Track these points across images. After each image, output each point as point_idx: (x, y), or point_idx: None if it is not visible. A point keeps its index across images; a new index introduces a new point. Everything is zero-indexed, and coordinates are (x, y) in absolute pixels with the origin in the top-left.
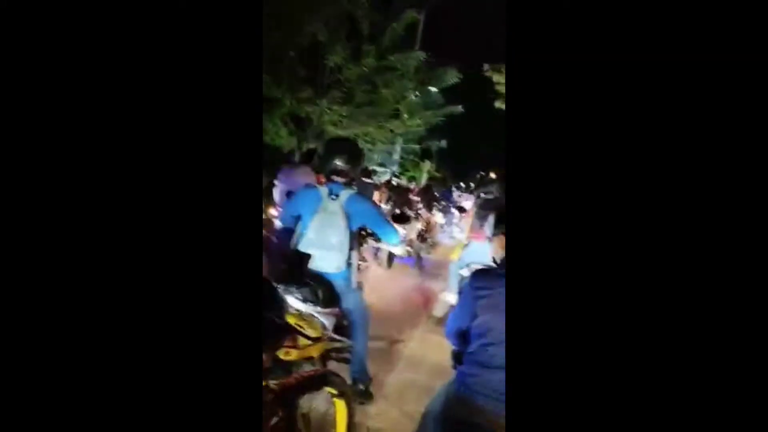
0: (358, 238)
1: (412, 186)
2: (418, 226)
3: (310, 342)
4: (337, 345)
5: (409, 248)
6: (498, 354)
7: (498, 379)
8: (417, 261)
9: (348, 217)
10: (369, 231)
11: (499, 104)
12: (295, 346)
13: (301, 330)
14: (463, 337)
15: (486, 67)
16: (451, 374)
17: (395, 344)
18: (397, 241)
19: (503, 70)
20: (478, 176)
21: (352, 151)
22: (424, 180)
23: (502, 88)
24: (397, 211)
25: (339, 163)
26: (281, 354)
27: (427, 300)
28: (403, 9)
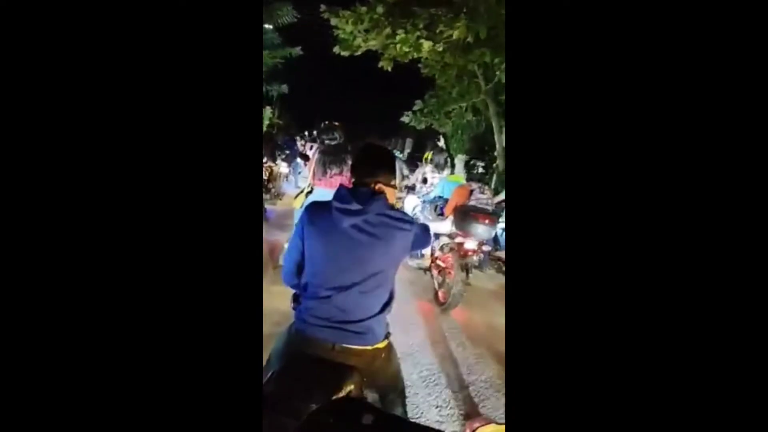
0: None
1: None
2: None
3: None
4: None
5: None
6: (323, 282)
7: (324, 307)
8: (262, 213)
9: None
10: None
11: (338, 49)
12: None
13: None
14: (298, 273)
15: (323, 8)
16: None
17: None
18: None
19: (341, 14)
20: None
21: None
22: (264, 126)
23: (341, 33)
24: None
25: None
26: None
27: (273, 250)
28: None
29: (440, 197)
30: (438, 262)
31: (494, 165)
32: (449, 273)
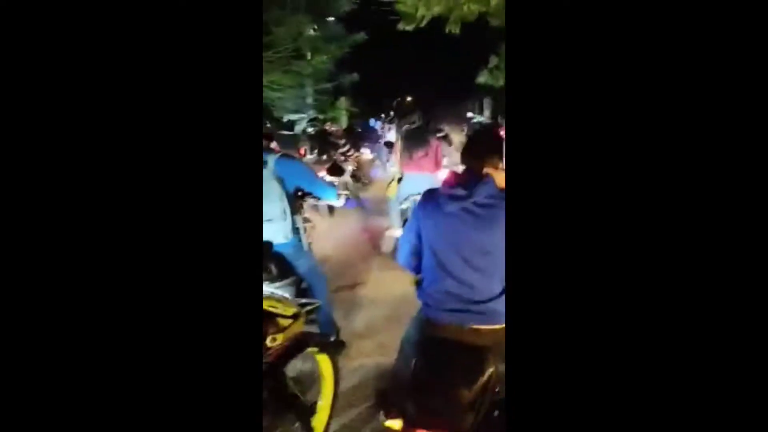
0: (296, 200)
1: (333, 129)
2: (350, 167)
3: (290, 321)
4: (310, 308)
5: (346, 192)
6: (438, 266)
7: (445, 291)
8: (357, 202)
9: (281, 183)
10: (305, 191)
11: (402, 25)
12: (278, 330)
13: (278, 312)
14: (417, 261)
15: None
16: (415, 302)
17: (356, 288)
18: (334, 196)
19: None
20: (395, 103)
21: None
22: (344, 118)
23: (401, 6)
24: (327, 167)
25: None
26: (268, 342)
27: (375, 237)
28: None
29: None
30: None
31: None
32: None
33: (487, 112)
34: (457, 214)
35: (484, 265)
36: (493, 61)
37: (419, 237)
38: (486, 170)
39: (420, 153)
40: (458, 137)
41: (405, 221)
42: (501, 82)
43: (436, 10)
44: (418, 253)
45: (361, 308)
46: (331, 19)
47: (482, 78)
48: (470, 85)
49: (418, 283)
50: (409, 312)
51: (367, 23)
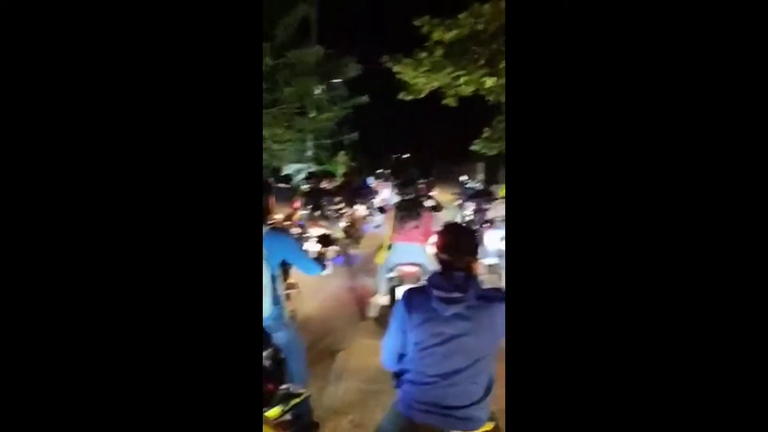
0: (281, 272)
1: (328, 186)
2: (342, 224)
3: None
4: (296, 401)
5: (337, 248)
6: (427, 369)
7: (429, 393)
8: (346, 259)
9: (266, 258)
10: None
11: (402, 95)
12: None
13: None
14: (400, 359)
15: (385, 58)
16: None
17: (336, 354)
18: (319, 271)
19: (402, 61)
20: (393, 158)
21: None
22: (341, 172)
23: (403, 77)
24: (316, 235)
25: None
26: None
27: (362, 300)
28: (293, 3)
29: None
30: None
31: None
32: None
33: (480, 176)
34: (450, 319)
35: (472, 371)
36: (487, 132)
37: (405, 333)
38: (461, 265)
39: (411, 224)
40: (448, 202)
41: (392, 290)
42: (494, 151)
43: (435, 84)
44: (403, 352)
45: (339, 379)
46: (338, 80)
47: (476, 146)
48: (465, 151)
49: (398, 375)
50: (387, 388)
51: (371, 88)
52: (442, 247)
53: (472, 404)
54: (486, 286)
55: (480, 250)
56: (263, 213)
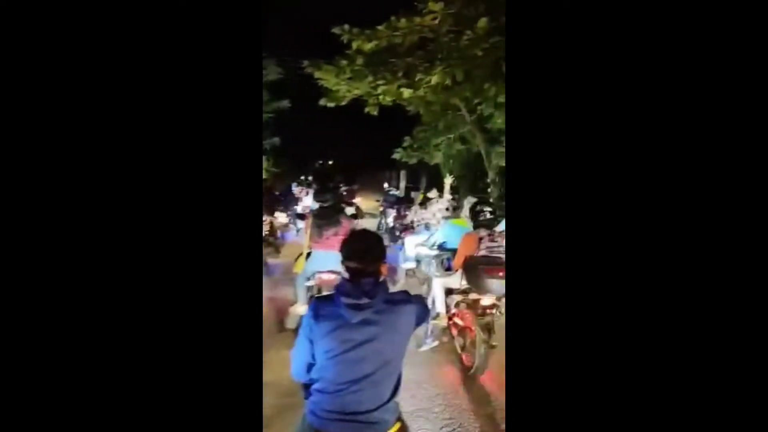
0: None
1: None
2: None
3: None
4: None
5: None
6: (337, 377)
7: (336, 401)
8: (264, 268)
9: None
10: None
11: (324, 101)
12: None
13: None
14: (308, 370)
15: (305, 63)
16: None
17: None
18: None
19: (323, 67)
20: (317, 165)
21: None
22: (262, 176)
23: (325, 83)
24: None
25: None
26: None
27: (281, 311)
28: None
29: (444, 244)
30: (456, 320)
31: (488, 191)
32: (470, 332)
33: (402, 184)
34: (357, 326)
35: (380, 376)
36: (407, 141)
37: (312, 343)
38: (369, 270)
39: (330, 232)
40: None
41: (311, 298)
42: (414, 159)
43: (357, 92)
44: (311, 362)
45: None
46: None
47: (397, 155)
48: (387, 159)
49: (307, 387)
50: (301, 401)
51: (291, 93)
52: (349, 254)
53: (378, 407)
54: (403, 290)
55: (400, 255)
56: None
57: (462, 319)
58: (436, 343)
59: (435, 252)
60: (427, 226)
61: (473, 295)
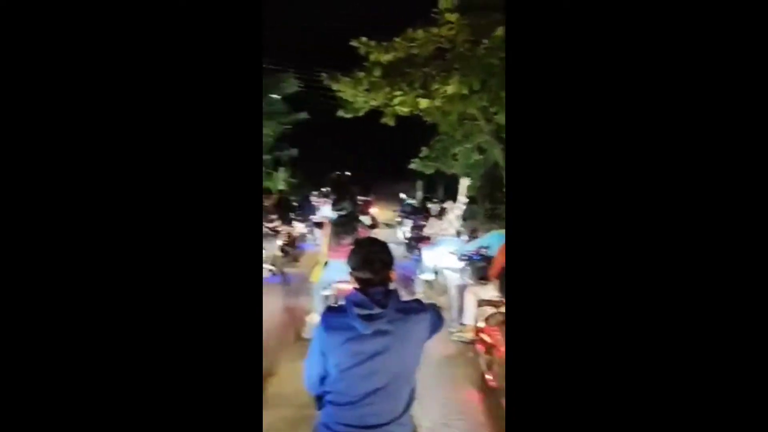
0: None
1: (265, 203)
2: (278, 242)
3: None
4: None
5: (272, 267)
6: (348, 389)
7: (349, 414)
8: (282, 278)
9: None
10: None
11: (341, 113)
12: None
13: None
14: (321, 382)
15: (324, 75)
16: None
17: (266, 381)
18: None
19: (341, 79)
20: (334, 176)
21: None
22: (279, 188)
23: (342, 95)
24: None
25: None
26: None
27: (297, 321)
28: None
29: (484, 249)
30: (483, 336)
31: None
32: (498, 351)
33: (419, 194)
34: (370, 337)
35: (394, 388)
36: (425, 151)
37: (324, 355)
38: (378, 279)
39: (347, 241)
40: (386, 219)
41: (327, 309)
42: (431, 170)
43: (374, 103)
44: (324, 375)
45: (267, 406)
46: (276, 96)
47: (414, 165)
48: (404, 169)
49: (319, 398)
50: (316, 414)
51: (310, 105)
52: (356, 264)
53: (392, 421)
54: (416, 298)
55: (418, 266)
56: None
57: (490, 336)
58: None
59: (468, 249)
60: (444, 237)
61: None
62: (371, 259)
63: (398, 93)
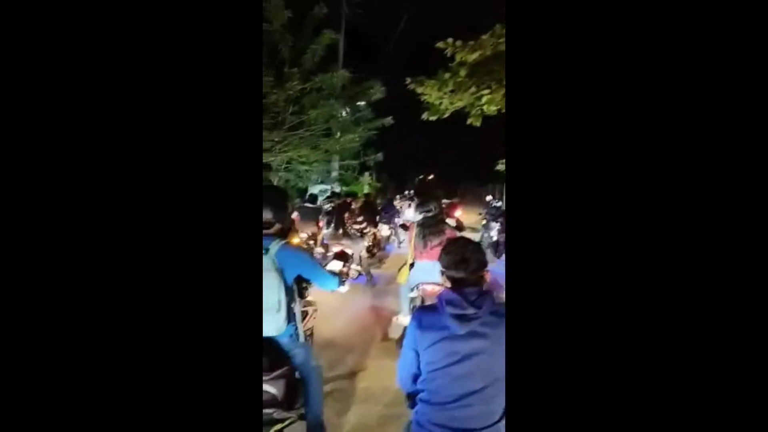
0: (298, 288)
1: (352, 205)
2: (365, 243)
3: None
4: (280, 426)
5: (358, 268)
6: (442, 389)
7: (442, 414)
8: (368, 279)
9: (281, 271)
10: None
11: (426, 115)
12: None
13: None
14: (414, 380)
15: (408, 80)
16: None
17: (355, 376)
18: (335, 286)
19: (426, 83)
20: (417, 180)
21: (275, 198)
22: (365, 192)
23: (427, 98)
24: (335, 250)
25: (264, 213)
26: None
27: (383, 321)
28: (320, 31)
29: None
30: None
31: None
32: None
33: (506, 196)
34: (464, 338)
35: (489, 392)
36: None
37: (417, 353)
38: (471, 279)
39: (434, 242)
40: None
41: (413, 309)
42: None
43: (459, 104)
44: (417, 373)
45: (356, 402)
46: (363, 103)
47: (501, 166)
48: (490, 171)
49: (412, 396)
50: (408, 412)
51: (395, 109)
52: (448, 264)
53: (488, 427)
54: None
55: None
56: (288, 232)
57: None
58: None
59: None
60: None
61: None
62: (466, 258)
63: (485, 92)
